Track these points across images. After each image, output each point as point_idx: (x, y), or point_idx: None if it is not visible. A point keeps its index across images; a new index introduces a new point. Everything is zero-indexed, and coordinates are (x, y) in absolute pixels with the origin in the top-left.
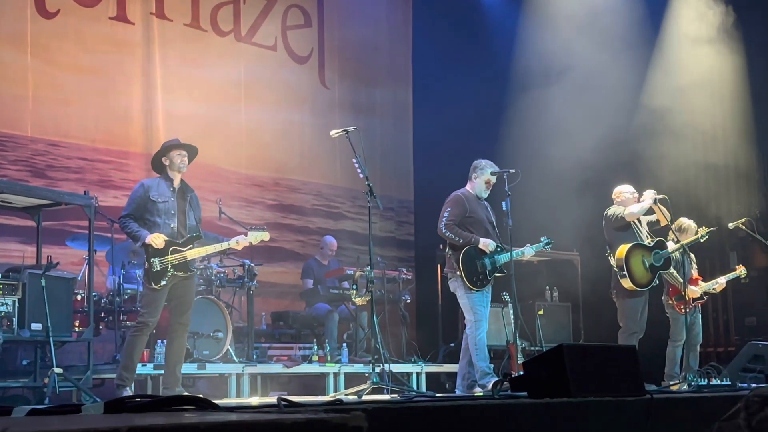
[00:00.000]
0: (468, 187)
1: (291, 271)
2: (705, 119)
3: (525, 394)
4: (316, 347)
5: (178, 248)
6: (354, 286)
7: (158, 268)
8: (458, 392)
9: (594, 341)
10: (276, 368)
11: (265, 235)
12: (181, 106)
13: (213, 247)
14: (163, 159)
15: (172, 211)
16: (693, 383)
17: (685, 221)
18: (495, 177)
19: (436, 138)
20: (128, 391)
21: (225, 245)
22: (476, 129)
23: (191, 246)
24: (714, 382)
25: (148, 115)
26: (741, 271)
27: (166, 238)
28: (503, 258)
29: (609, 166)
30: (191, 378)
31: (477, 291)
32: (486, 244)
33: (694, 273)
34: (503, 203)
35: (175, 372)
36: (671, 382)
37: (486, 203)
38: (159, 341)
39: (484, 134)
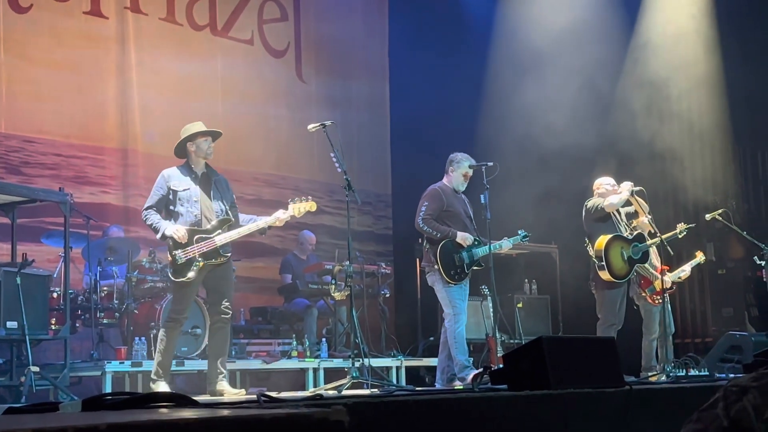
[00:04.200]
0: (445, 180)
1: (270, 266)
2: (683, 107)
3: (505, 386)
4: (295, 342)
5: (204, 236)
6: (333, 281)
7: (182, 261)
8: (438, 386)
9: (573, 333)
10: (255, 364)
11: (312, 206)
12: (157, 102)
13: (247, 229)
14: (189, 145)
15: (195, 198)
16: (671, 374)
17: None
18: (472, 170)
19: (413, 131)
20: (163, 386)
21: (262, 224)
22: (454, 121)
23: (220, 231)
24: (692, 372)
25: (124, 111)
26: (701, 257)
27: (189, 228)
28: (481, 251)
29: (588, 159)
30: (169, 375)
31: (455, 284)
32: (464, 238)
33: (658, 263)
34: (481, 196)
35: (217, 365)
36: (650, 374)
37: (463, 196)
38: (137, 338)
39: (462, 127)
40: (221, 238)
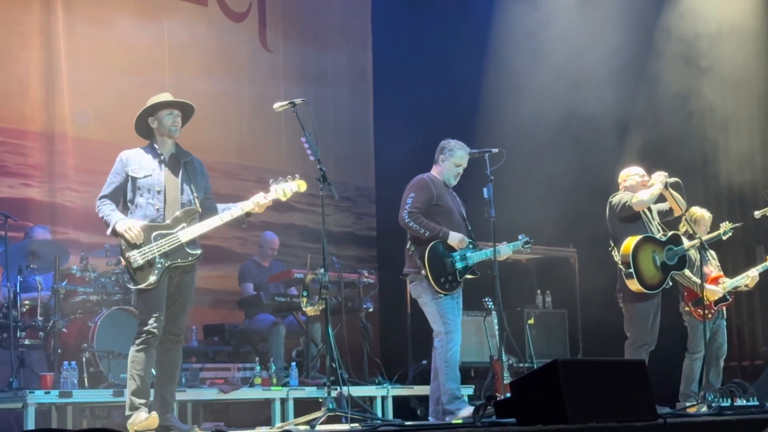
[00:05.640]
0: (434, 171)
1: (228, 274)
2: (726, 73)
3: (513, 420)
4: (258, 367)
5: (164, 231)
6: (304, 293)
7: (140, 263)
8: (431, 420)
9: (595, 355)
10: (210, 394)
11: (301, 185)
12: (90, 76)
13: (218, 219)
14: (150, 120)
15: (158, 188)
16: (714, 404)
17: (697, 211)
18: (467, 160)
19: (401, 112)
20: (144, 413)
21: (237, 211)
22: (450, 100)
23: (184, 225)
24: (739, 402)
25: (50, 87)
26: None
27: (146, 224)
28: (477, 256)
29: (612, 145)
30: (105, 407)
31: (446, 295)
32: (458, 239)
33: (714, 271)
34: (485, 190)
35: (165, 395)
36: (688, 404)
37: (454, 192)
38: (65, 363)
39: (460, 106)
40: (186, 233)
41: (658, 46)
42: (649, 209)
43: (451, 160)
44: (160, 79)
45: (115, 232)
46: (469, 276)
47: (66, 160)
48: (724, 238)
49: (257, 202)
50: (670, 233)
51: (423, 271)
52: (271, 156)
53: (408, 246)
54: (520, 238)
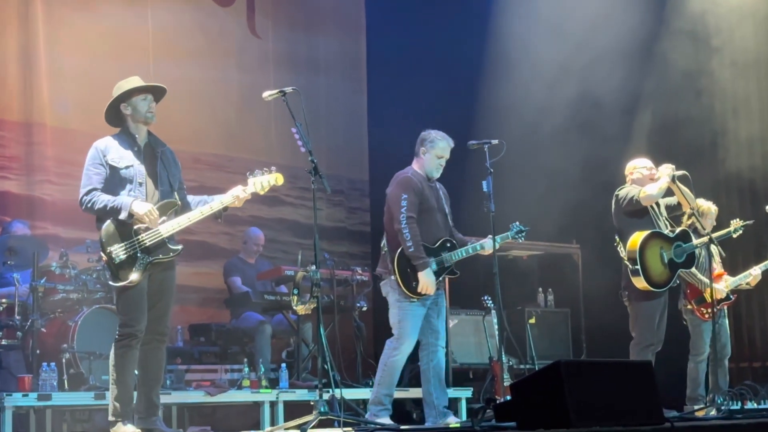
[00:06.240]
0: (415, 166)
1: (215, 271)
2: (736, 53)
3: (513, 424)
4: (247, 369)
5: (144, 225)
6: (295, 291)
7: (123, 258)
8: (429, 424)
9: (599, 356)
10: (196, 396)
11: (277, 178)
12: (71, 62)
13: (198, 213)
14: (123, 107)
15: (140, 179)
16: (723, 407)
17: (703, 204)
18: (449, 151)
19: (397, 101)
20: (128, 427)
21: (216, 205)
22: (448, 89)
23: (165, 218)
24: (749, 405)
25: (27, 74)
26: None
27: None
28: (455, 256)
29: (619, 133)
30: (85, 411)
31: (415, 301)
32: (427, 283)
33: (717, 267)
34: (484, 183)
35: (151, 398)
36: (696, 407)
37: (438, 185)
38: (44, 364)
39: (459, 96)
40: (167, 227)
41: (670, 25)
42: (657, 204)
43: (433, 152)
44: (143, 67)
45: (130, 216)
46: (449, 276)
47: (45, 151)
48: (735, 236)
49: (237, 195)
50: (678, 229)
51: (393, 276)
52: (259, 147)
53: (382, 244)
54: (512, 227)
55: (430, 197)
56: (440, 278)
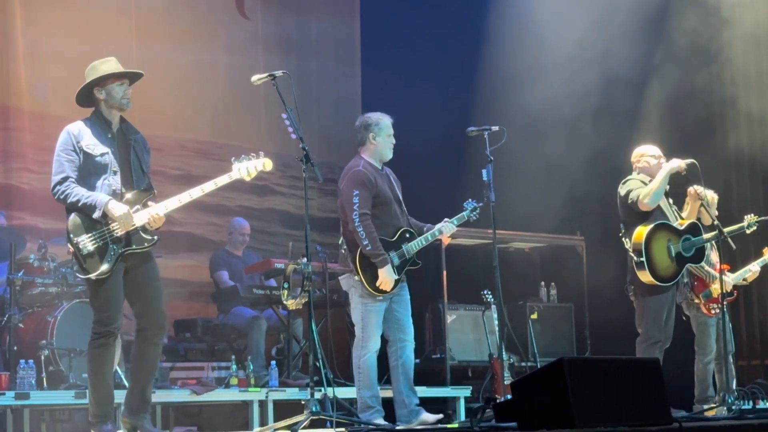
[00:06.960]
0: (365, 154)
1: (203, 264)
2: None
3: (514, 424)
4: (235, 367)
5: None
6: (285, 285)
7: (90, 249)
8: (401, 424)
9: (604, 353)
10: (181, 395)
11: (265, 163)
12: (49, 44)
13: (177, 201)
14: (96, 91)
15: (114, 168)
16: (734, 407)
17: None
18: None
19: (391, 86)
20: (109, 428)
21: (197, 192)
22: (445, 73)
23: (139, 207)
24: (761, 404)
25: (4, 57)
26: None
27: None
28: (416, 245)
29: (624, 120)
30: (65, 410)
31: (379, 301)
32: (386, 278)
33: (717, 261)
34: (484, 171)
35: (144, 393)
36: (706, 407)
37: (387, 170)
38: (22, 361)
39: (457, 81)
40: (140, 217)
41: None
42: (666, 194)
43: (383, 133)
44: (126, 49)
45: (104, 216)
46: (410, 268)
47: (22, 138)
48: (748, 231)
49: (216, 183)
50: (688, 222)
51: (356, 277)
52: (248, 134)
53: (341, 242)
54: (466, 205)
55: (384, 188)
56: (403, 271)
